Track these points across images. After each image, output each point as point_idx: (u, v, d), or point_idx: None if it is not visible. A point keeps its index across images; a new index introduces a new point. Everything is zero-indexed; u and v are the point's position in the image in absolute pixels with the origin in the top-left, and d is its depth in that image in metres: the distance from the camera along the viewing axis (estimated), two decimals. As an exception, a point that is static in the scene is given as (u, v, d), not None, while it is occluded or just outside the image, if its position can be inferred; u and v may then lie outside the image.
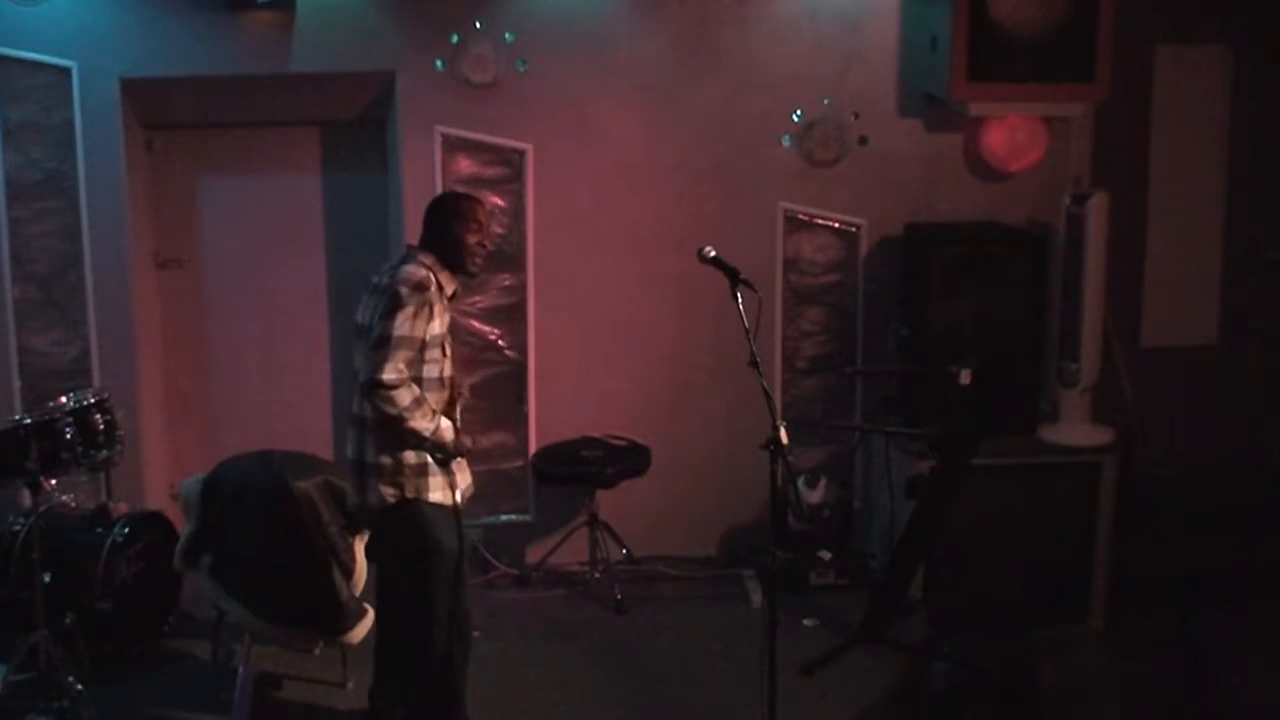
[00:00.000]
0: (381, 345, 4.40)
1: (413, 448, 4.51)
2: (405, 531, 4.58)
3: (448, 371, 4.60)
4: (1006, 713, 5.07)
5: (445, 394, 4.60)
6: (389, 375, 4.38)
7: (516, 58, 6.14)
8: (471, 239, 4.61)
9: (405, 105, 6.15)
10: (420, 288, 4.44)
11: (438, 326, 4.50)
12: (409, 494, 4.54)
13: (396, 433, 4.47)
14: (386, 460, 4.53)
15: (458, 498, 4.63)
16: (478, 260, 4.66)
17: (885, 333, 6.33)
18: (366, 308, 4.58)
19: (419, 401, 4.45)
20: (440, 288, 4.53)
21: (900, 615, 5.71)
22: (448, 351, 4.62)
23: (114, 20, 5.94)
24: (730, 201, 6.31)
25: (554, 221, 6.30)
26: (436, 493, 4.57)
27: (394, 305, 4.42)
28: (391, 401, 4.40)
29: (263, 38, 6.01)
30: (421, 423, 4.45)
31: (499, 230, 6.29)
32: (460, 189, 6.24)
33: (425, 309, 4.43)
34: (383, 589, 4.77)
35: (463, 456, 4.67)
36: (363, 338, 4.52)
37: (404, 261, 4.59)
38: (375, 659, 4.81)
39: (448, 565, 4.58)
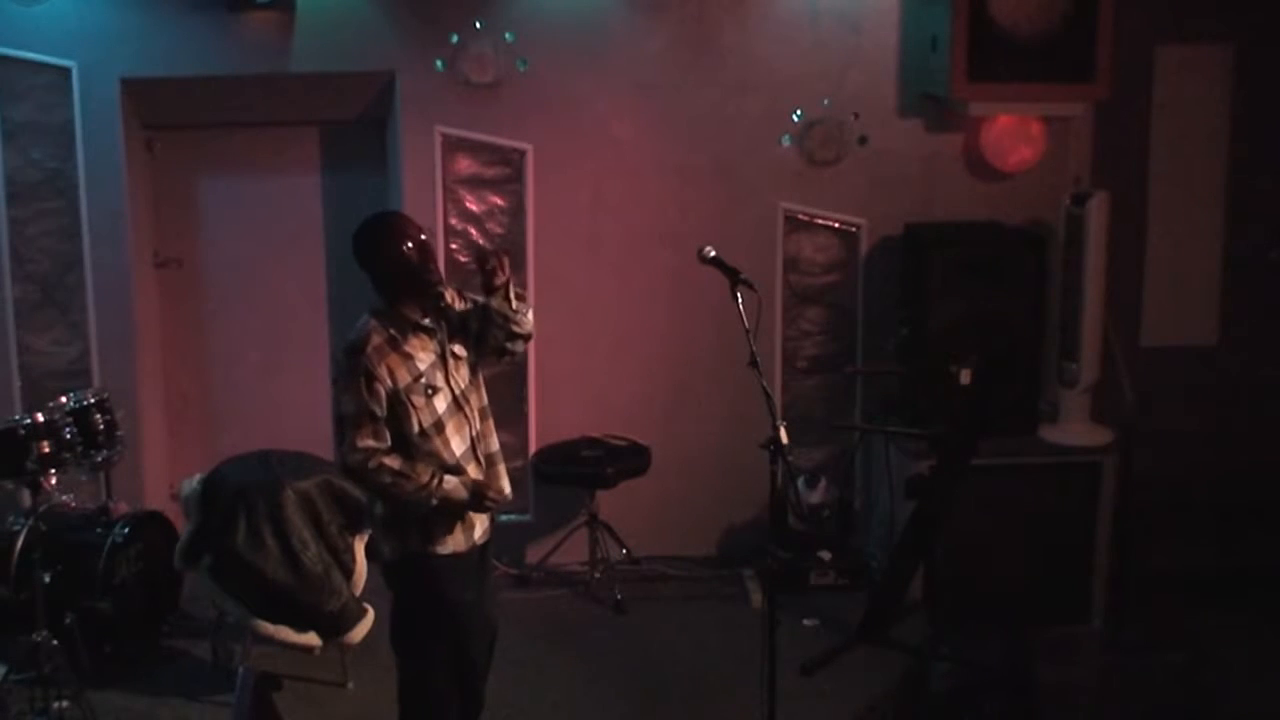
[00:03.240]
0: (337, 426, 4.12)
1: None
2: (409, 585, 4.26)
3: (441, 408, 4.15)
4: (1006, 713, 5.07)
5: (454, 433, 4.19)
6: (352, 459, 4.07)
7: (516, 58, 6.14)
8: (410, 260, 4.15)
9: (405, 105, 6.15)
10: (352, 352, 4.07)
11: (404, 375, 4.09)
12: (414, 547, 4.19)
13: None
14: (388, 513, 4.22)
15: (477, 538, 4.27)
16: (431, 270, 4.20)
17: (887, 333, 6.33)
18: None
19: (403, 473, 4.08)
20: (393, 337, 4.11)
21: (900, 615, 5.71)
22: (444, 382, 4.19)
23: (114, 20, 5.95)
24: (730, 201, 6.31)
25: (554, 221, 6.30)
26: (445, 544, 4.19)
27: (334, 379, 4.17)
28: (370, 483, 4.12)
29: (263, 38, 6.01)
30: (417, 494, 4.08)
31: (498, 230, 6.30)
32: (460, 189, 6.26)
33: (361, 376, 4.03)
34: (391, 640, 4.40)
35: (490, 510, 4.26)
36: None
37: (365, 312, 4.24)
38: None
39: (454, 620, 4.24)
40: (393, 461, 4.10)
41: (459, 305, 4.35)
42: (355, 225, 6.46)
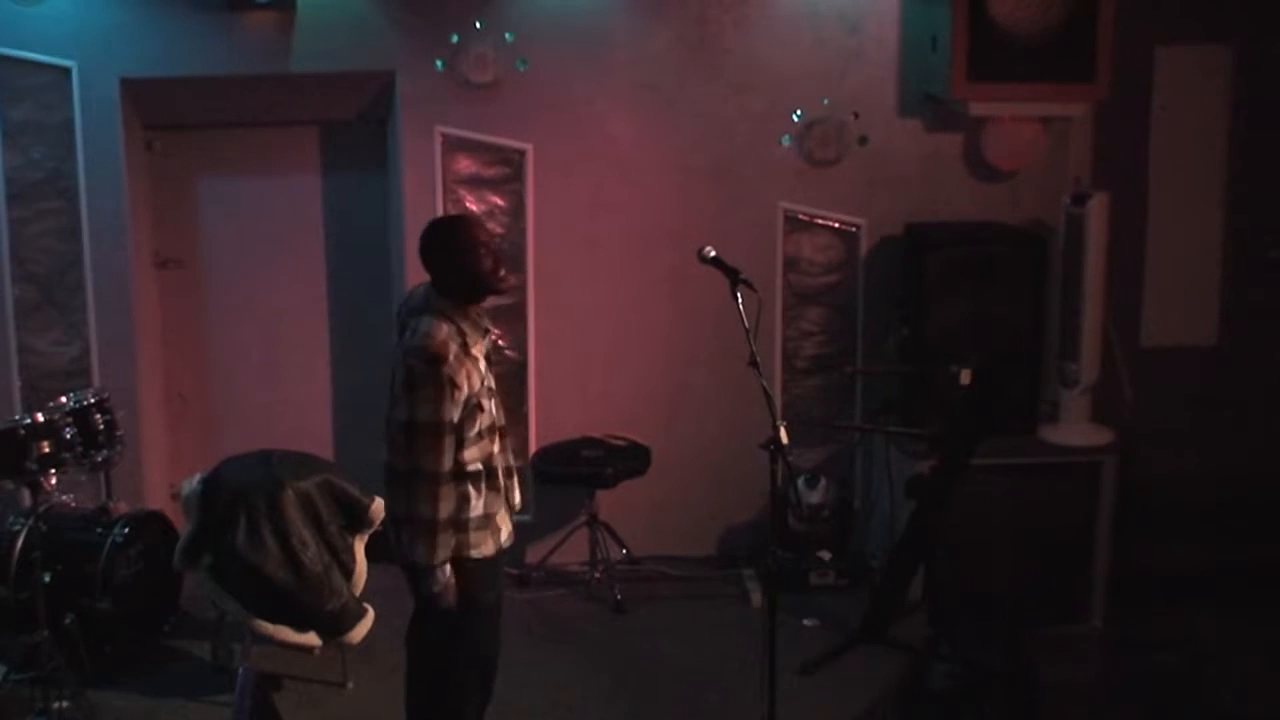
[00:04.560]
0: (410, 432, 4.04)
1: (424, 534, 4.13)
2: None
3: (488, 421, 4.20)
4: (1006, 713, 5.07)
5: (491, 441, 4.23)
6: (433, 467, 4.04)
7: (516, 58, 6.14)
8: (485, 265, 4.15)
9: (405, 105, 6.15)
10: (434, 361, 4.01)
11: (476, 381, 4.12)
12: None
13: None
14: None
15: (503, 543, 4.32)
16: (499, 278, 4.20)
17: (887, 333, 6.33)
18: (395, 356, 4.15)
19: (445, 524, 4.09)
20: (464, 342, 4.11)
21: (900, 615, 5.71)
22: (492, 386, 4.25)
23: (114, 20, 5.94)
24: (730, 201, 6.31)
25: (554, 221, 6.30)
26: (476, 548, 4.22)
27: (411, 383, 4.04)
28: (423, 497, 4.06)
29: (263, 38, 6.01)
30: (437, 553, 4.09)
31: (499, 230, 6.30)
32: (460, 189, 6.26)
33: (445, 386, 4.01)
34: (410, 638, 4.41)
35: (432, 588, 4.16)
36: (390, 391, 4.13)
37: (424, 311, 4.14)
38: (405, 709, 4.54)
39: (480, 619, 4.31)
40: (450, 503, 4.09)
41: None
42: (355, 225, 6.55)
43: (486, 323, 4.29)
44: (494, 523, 4.27)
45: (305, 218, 6.51)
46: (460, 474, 4.14)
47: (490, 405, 4.22)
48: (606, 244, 6.34)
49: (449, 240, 4.21)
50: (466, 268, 4.15)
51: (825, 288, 6.49)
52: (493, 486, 4.24)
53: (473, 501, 4.18)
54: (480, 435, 4.18)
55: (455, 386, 4.04)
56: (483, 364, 4.20)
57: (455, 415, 4.07)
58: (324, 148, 6.49)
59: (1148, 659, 5.56)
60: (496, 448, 4.26)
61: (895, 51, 6.27)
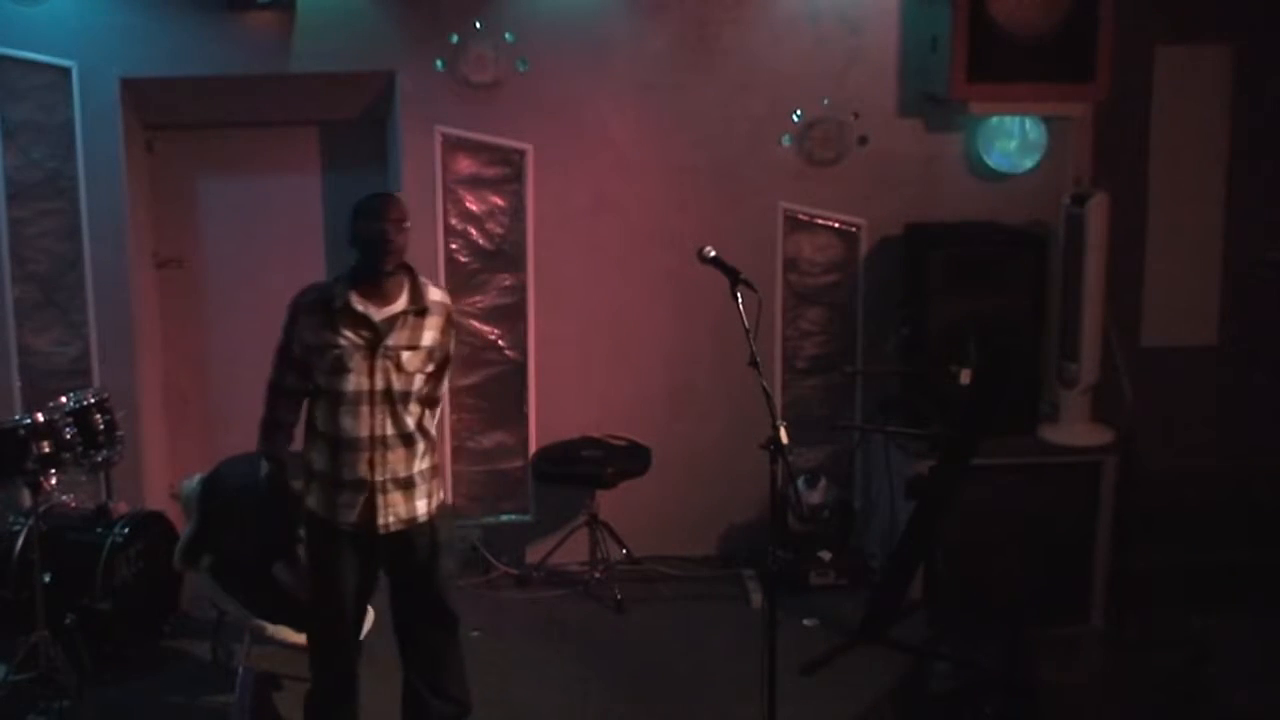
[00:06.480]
0: None
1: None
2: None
3: (346, 387, 4.25)
4: (1006, 713, 5.07)
5: (348, 415, 4.27)
6: (272, 377, 4.49)
7: (516, 58, 6.14)
8: (368, 232, 4.25)
9: (405, 105, 6.15)
10: (296, 293, 4.45)
11: (313, 336, 4.30)
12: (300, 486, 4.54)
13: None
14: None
15: (339, 517, 4.35)
16: (377, 252, 4.24)
17: (887, 333, 6.34)
18: None
19: (271, 393, 4.47)
20: (328, 300, 4.30)
21: (900, 615, 5.71)
22: (364, 371, 4.26)
23: (114, 20, 5.94)
24: (730, 201, 6.31)
25: (554, 221, 6.31)
26: (308, 498, 4.45)
27: None
28: (266, 405, 4.51)
29: (263, 38, 6.01)
30: (266, 416, 4.50)
31: (498, 230, 6.30)
32: (460, 189, 6.26)
33: (289, 316, 4.40)
34: None
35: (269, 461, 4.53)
36: None
37: None
38: None
39: (315, 574, 4.52)
40: (279, 411, 4.47)
41: (441, 337, 4.40)
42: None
43: (388, 320, 4.29)
44: (330, 490, 4.35)
45: (305, 218, 6.51)
46: (310, 424, 4.42)
47: (339, 380, 4.25)
48: (606, 244, 6.34)
49: (355, 208, 4.37)
50: (355, 234, 4.34)
51: (825, 288, 6.49)
52: (335, 457, 4.33)
53: (315, 456, 4.39)
54: (337, 395, 4.27)
55: (293, 322, 4.38)
56: (344, 339, 4.26)
57: (296, 347, 4.36)
58: (324, 148, 6.49)
59: (1148, 659, 5.56)
60: (348, 427, 4.26)
61: (895, 51, 6.27)
